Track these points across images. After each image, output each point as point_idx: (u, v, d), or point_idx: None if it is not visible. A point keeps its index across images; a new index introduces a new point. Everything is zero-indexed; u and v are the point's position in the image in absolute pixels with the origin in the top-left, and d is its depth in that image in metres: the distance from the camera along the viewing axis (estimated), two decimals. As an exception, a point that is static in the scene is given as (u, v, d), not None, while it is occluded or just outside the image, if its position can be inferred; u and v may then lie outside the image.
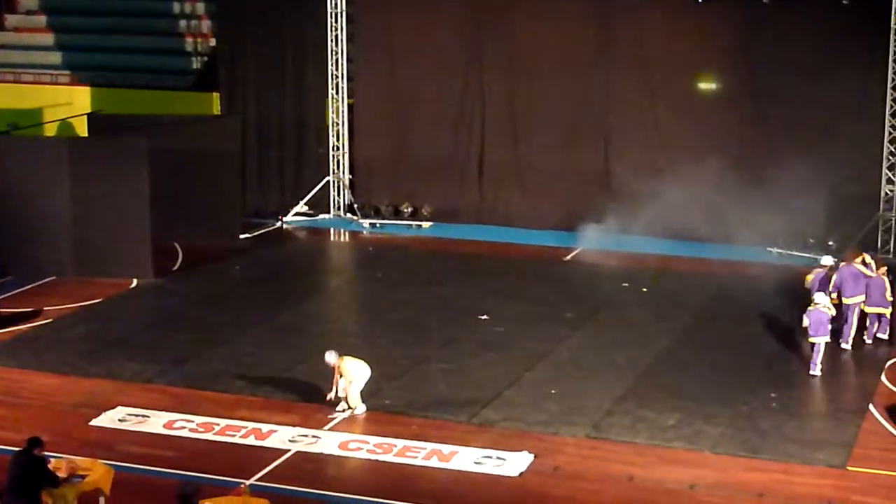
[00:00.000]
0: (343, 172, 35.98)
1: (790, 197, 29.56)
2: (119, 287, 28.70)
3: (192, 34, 40.48)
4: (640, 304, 27.98)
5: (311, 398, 22.09)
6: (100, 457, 18.86)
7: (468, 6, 34.67)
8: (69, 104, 38.38)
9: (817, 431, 21.07)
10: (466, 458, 19.82)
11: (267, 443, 20.40)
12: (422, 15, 35.10)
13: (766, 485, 19.02)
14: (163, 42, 40.65)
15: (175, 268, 30.50)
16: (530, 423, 21.27)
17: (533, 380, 23.30)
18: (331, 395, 21.37)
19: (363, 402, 21.48)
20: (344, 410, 21.39)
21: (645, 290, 28.93)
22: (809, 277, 25.90)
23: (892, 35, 30.07)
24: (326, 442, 20.43)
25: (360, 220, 35.05)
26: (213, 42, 39.11)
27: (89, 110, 36.54)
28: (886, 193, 30.61)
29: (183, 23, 40.84)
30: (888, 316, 25.03)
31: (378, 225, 34.94)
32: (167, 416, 21.36)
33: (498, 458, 19.84)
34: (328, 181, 35.80)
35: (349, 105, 35.77)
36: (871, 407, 21.98)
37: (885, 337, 25.10)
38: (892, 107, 30.35)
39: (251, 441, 20.49)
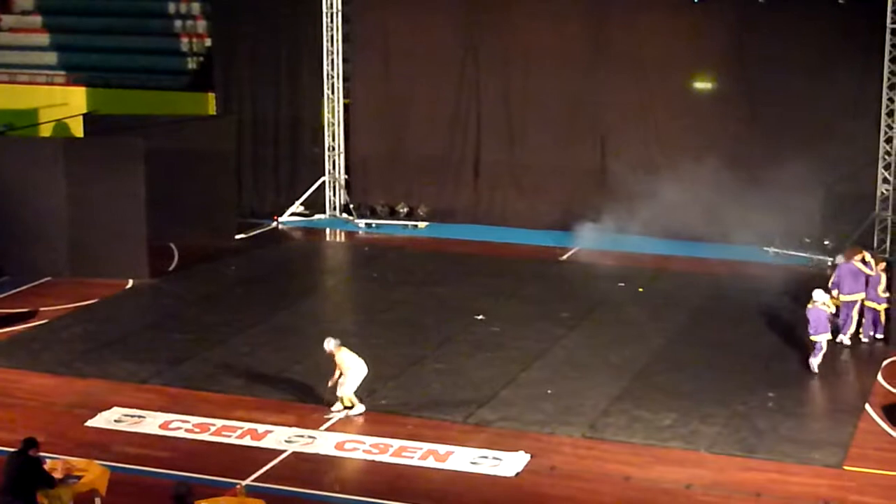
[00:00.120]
0: (339, 172, 35.96)
1: (786, 196, 29.58)
2: (115, 287, 28.68)
3: (187, 34, 40.44)
4: (636, 303, 27.98)
5: (308, 398, 22.10)
6: (95, 457, 18.84)
7: (464, 6, 34.64)
8: (65, 104, 38.35)
9: (814, 431, 21.07)
10: (463, 459, 19.82)
11: (263, 443, 20.39)
12: (417, 15, 35.08)
13: (762, 484, 19.02)
14: (158, 42, 40.60)
15: (171, 268, 30.48)
16: (526, 422, 21.27)
17: (529, 380, 23.29)
18: (330, 383, 21.32)
19: (361, 402, 21.47)
20: (340, 410, 21.38)
21: (641, 289, 28.93)
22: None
23: (887, 34, 30.06)
24: (322, 442, 20.42)
25: (356, 221, 35.03)
26: (208, 42, 39.06)
27: (85, 111, 36.48)
28: (882, 193, 30.59)
29: (178, 23, 40.79)
30: (882, 313, 25.04)
31: (374, 225, 34.91)
32: (163, 417, 21.35)
33: (494, 458, 19.83)
34: (324, 181, 35.78)
35: (345, 105, 35.75)
36: (867, 406, 21.99)
37: (881, 336, 25.12)
38: (887, 106, 30.35)
39: (247, 441, 20.48)
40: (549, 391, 22.62)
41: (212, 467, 19.43)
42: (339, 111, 35.62)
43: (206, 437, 20.68)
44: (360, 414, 21.38)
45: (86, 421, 21.26)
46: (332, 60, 35.18)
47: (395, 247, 33.03)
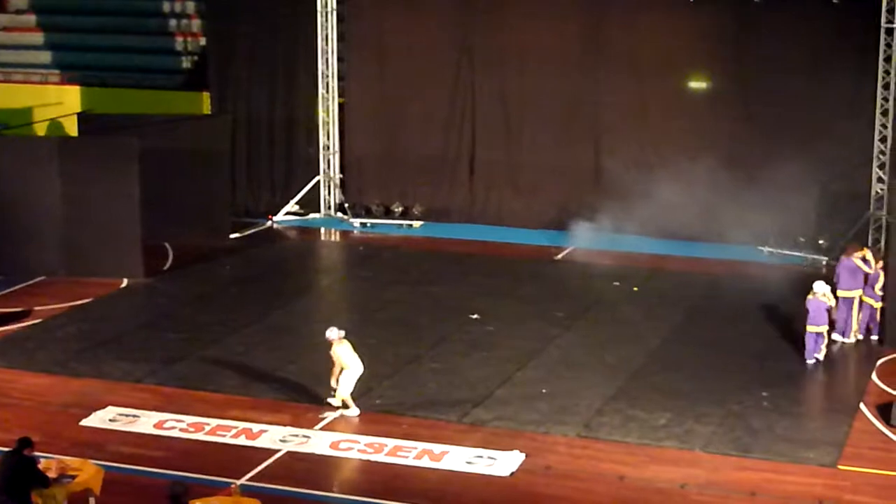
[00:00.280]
0: (333, 172, 35.95)
1: (781, 196, 29.60)
2: (109, 287, 28.65)
3: (182, 33, 40.41)
4: (632, 302, 27.99)
5: (302, 398, 22.09)
6: (90, 457, 18.83)
7: (459, 5, 34.65)
8: (59, 104, 38.32)
9: (808, 430, 21.07)
10: (458, 458, 19.81)
11: (258, 442, 20.38)
12: (413, 14, 35.08)
13: (757, 484, 19.03)
14: (153, 41, 40.58)
15: (165, 267, 30.47)
16: (521, 422, 21.26)
17: (524, 379, 23.29)
18: (333, 381, 21.27)
19: (356, 404, 21.44)
20: (336, 409, 21.36)
21: (636, 288, 28.94)
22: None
23: (881, 34, 30.10)
24: (317, 442, 20.41)
25: (351, 220, 35.02)
26: (203, 41, 39.04)
27: (79, 110, 36.47)
28: (877, 192, 30.60)
29: (173, 22, 40.78)
30: (878, 310, 25.07)
31: (369, 224, 34.90)
32: (157, 416, 21.33)
33: (489, 457, 19.83)
34: (319, 180, 35.77)
35: (340, 104, 35.73)
36: (862, 406, 22.00)
37: (876, 337, 25.14)
38: (882, 106, 30.37)
39: (242, 441, 20.47)
40: (543, 391, 22.62)
41: (206, 467, 19.41)
42: (333, 110, 35.60)
43: (200, 436, 20.66)
44: (355, 416, 21.35)
45: (80, 420, 21.23)
46: (327, 60, 35.17)
47: (390, 246, 33.02)
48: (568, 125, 33.91)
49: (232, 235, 33.22)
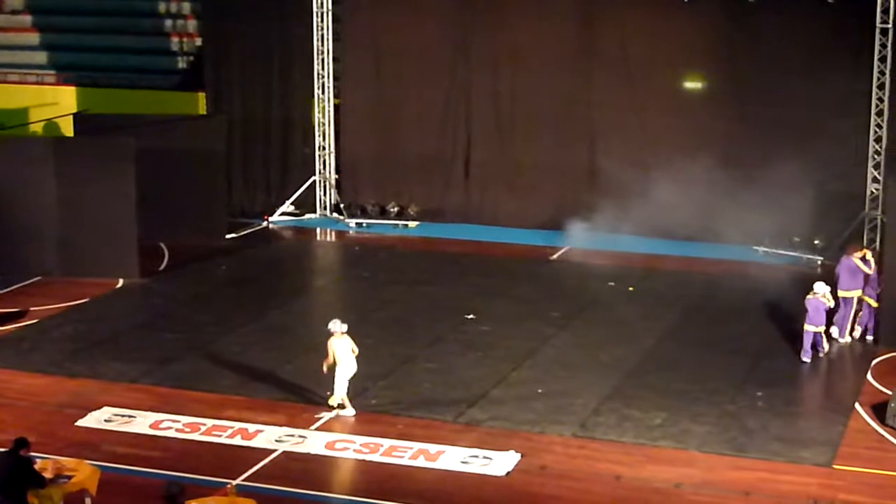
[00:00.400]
0: (329, 172, 35.95)
1: (776, 196, 29.64)
2: (105, 287, 28.65)
3: (177, 34, 40.39)
4: (627, 302, 28.01)
5: (298, 398, 22.10)
6: (86, 457, 18.83)
7: (454, 5, 34.65)
8: (55, 104, 38.30)
9: (803, 430, 21.09)
10: (453, 458, 19.82)
11: (253, 443, 20.38)
12: (408, 14, 35.08)
13: (752, 483, 19.05)
14: (148, 41, 40.55)
15: (161, 268, 30.45)
16: (517, 422, 21.28)
17: (519, 379, 23.30)
18: (325, 368, 21.28)
19: (351, 404, 21.45)
20: (332, 409, 21.37)
21: (631, 288, 28.95)
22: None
23: (876, 33, 30.13)
24: (313, 442, 20.41)
25: (347, 220, 35.03)
26: (198, 41, 39.03)
27: (75, 110, 36.44)
28: (872, 192, 30.65)
29: (169, 22, 40.75)
30: (873, 309, 25.10)
31: (364, 224, 34.91)
32: (153, 417, 21.33)
33: (485, 457, 19.84)
34: (314, 181, 35.77)
35: (335, 104, 35.74)
36: (857, 405, 22.03)
37: (871, 337, 25.16)
38: (877, 105, 30.40)
39: (237, 441, 20.47)
40: (539, 390, 22.63)
41: (202, 467, 19.42)
42: (329, 111, 35.61)
43: (196, 436, 20.66)
44: (351, 416, 21.36)
45: (76, 420, 21.23)
46: (323, 60, 35.17)
47: (386, 246, 33.03)
48: (563, 125, 33.92)
49: (228, 236, 33.20)
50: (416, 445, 20.21)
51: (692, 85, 33.07)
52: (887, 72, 30.20)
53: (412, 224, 34.88)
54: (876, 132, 30.48)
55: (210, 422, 21.12)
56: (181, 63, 39.84)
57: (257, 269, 30.84)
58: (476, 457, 19.85)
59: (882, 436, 20.80)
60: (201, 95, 36.82)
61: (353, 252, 33.05)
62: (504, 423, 21.21)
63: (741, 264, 30.60)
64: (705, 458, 19.95)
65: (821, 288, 23.97)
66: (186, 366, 23.92)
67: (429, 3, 35.12)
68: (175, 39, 40.34)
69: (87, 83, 39.17)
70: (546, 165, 34.04)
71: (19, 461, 16.72)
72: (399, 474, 19.38)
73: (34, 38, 41.62)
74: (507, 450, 20.05)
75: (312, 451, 20.11)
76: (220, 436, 20.65)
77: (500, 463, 19.64)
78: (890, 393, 21.36)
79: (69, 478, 17.45)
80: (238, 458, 19.82)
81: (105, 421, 21.23)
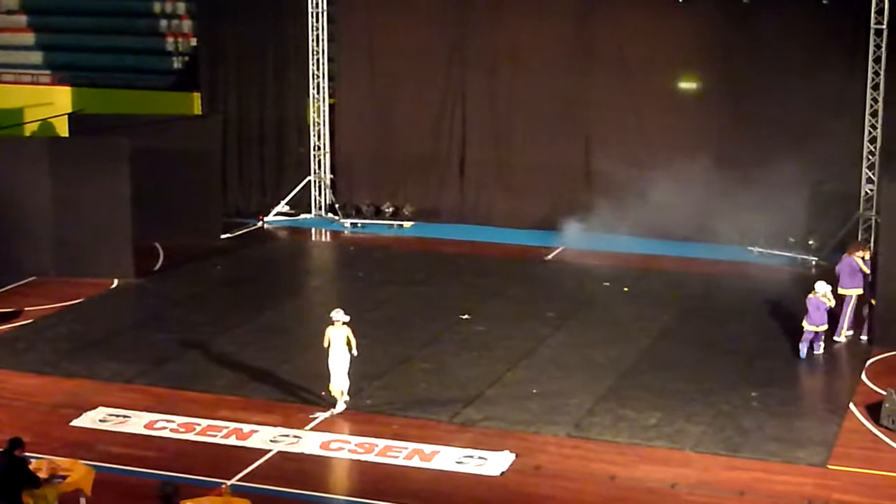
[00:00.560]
0: (324, 172, 35.94)
1: (771, 196, 29.71)
2: (100, 287, 28.64)
3: (173, 34, 40.38)
4: (622, 303, 28.02)
5: (293, 398, 22.10)
6: (80, 457, 18.83)
7: (449, 5, 34.65)
8: (50, 104, 38.24)
9: (798, 430, 21.09)
10: (448, 458, 19.83)
11: (248, 443, 20.38)
12: (403, 14, 35.09)
13: (747, 483, 19.06)
14: (144, 42, 40.54)
15: (156, 268, 30.46)
16: (512, 422, 21.28)
17: (514, 379, 23.31)
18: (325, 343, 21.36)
19: (343, 402, 21.47)
20: (334, 406, 21.37)
21: (626, 288, 28.97)
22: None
23: (871, 34, 30.17)
24: (308, 442, 20.42)
25: (342, 220, 35.02)
26: (194, 42, 39.01)
27: (70, 110, 36.41)
28: (866, 192, 30.67)
29: (164, 22, 40.74)
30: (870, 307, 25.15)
31: (359, 224, 34.90)
32: (148, 417, 21.33)
33: (479, 457, 19.84)
34: (309, 181, 35.76)
35: (330, 104, 35.72)
36: (851, 405, 22.04)
37: (865, 338, 25.18)
38: (871, 106, 30.43)
39: (232, 441, 20.47)
40: (534, 391, 22.64)
41: (197, 467, 19.42)
42: (324, 111, 35.60)
43: (191, 436, 20.66)
44: (341, 412, 21.35)
45: (71, 421, 21.23)
46: (318, 60, 35.16)
47: (381, 246, 33.02)
48: (559, 125, 33.91)
49: (223, 236, 33.19)
50: (411, 445, 20.22)
51: (687, 85, 33.08)
52: (882, 72, 30.23)
53: (407, 224, 34.87)
54: (870, 132, 30.51)
55: (205, 422, 21.12)
56: (176, 63, 39.83)
57: (252, 269, 30.84)
58: (471, 457, 19.86)
59: (876, 436, 20.81)
60: (196, 95, 36.80)
61: (348, 252, 33.05)
62: (499, 424, 21.21)
63: (736, 265, 30.61)
64: (700, 458, 19.96)
65: (822, 287, 24.01)
66: (181, 366, 23.91)
67: (424, 3, 35.10)
68: (170, 40, 40.33)
69: (82, 83, 39.16)
70: (542, 165, 34.04)
71: (14, 461, 16.71)
72: (394, 474, 19.39)
73: (29, 38, 41.60)
74: (502, 450, 20.06)
75: (307, 452, 20.12)
76: (214, 436, 20.65)
77: (494, 463, 19.65)
78: (884, 393, 21.38)
79: (64, 478, 17.44)
80: (233, 458, 19.82)
81: (100, 421, 21.23)
